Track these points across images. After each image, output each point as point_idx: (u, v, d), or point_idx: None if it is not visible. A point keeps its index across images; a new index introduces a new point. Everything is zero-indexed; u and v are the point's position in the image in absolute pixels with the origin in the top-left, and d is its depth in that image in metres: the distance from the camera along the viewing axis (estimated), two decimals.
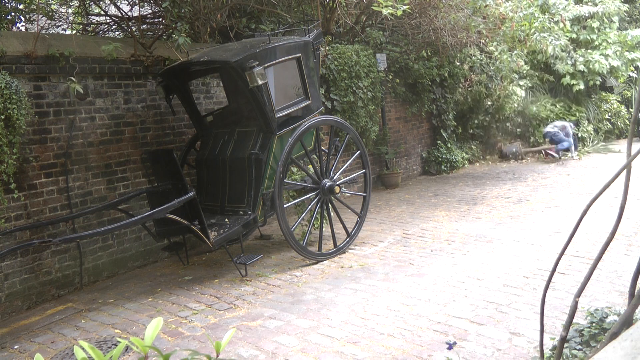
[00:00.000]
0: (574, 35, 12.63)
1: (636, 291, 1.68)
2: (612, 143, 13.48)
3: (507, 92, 11.71)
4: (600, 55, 12.51)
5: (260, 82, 5.12)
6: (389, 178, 9.91)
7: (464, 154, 11.82)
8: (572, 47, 12.71)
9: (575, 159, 11.64)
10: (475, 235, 6.46)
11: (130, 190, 6.01)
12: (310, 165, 6.08)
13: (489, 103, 11.85)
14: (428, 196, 9.03)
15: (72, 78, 5.26)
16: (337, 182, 6.10)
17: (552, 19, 9.52)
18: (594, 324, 2.69)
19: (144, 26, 7.80)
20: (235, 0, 7.15)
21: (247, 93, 5.35)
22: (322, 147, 6.37)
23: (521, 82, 12.77)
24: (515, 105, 12.23)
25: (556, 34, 9.55)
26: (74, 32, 9.00)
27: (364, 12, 8.96)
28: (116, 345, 3.54)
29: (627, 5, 13.74)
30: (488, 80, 11.68)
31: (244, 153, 5.62)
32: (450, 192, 9.24)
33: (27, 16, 7.00)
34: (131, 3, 7.84)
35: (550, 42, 9.18)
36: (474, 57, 11.64)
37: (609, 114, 13.92)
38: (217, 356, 1.32)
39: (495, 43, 10.31)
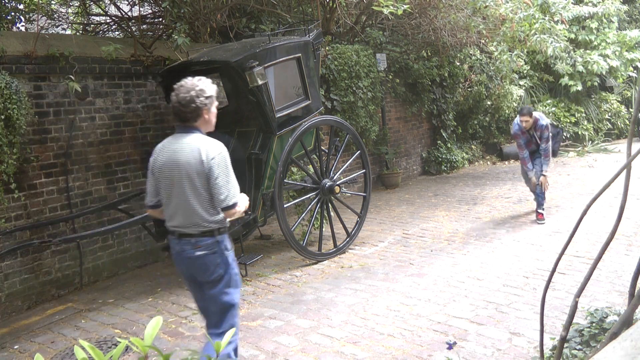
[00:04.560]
0: (573, 36, 12.63)
1: (636, 291, 1.68)
2: (612, 143, 13.48)
3: (504, 91, 11.69)
4: (599, 55, 12.50)
5: (260, 82, 5.12)
6: (389, 178, 9.91)
7: (464, 154, 11.81)
8: (571, 48, 12.70)
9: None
10: (475, 235, 6.47)
11: (130, 190, 6.02)
12: (310, 165, 6.08)
13: (489, 103, 11.85)
14: (428, 196, 9.03)
15: (70, 77, 5.25)
16: (337, 182, 6.10)
17: (552, 19, 9.51)
18: (594, 324, 2.69)
19: (144, 26, 7.80)
20: (235, 0, 7.15)
21: (247, 93, 5.35)
22: (322, 147, 6.36)
23: (521, 82, 12.76)
24: (515, 104, 12.21)
25: (556, 35, 9.54)
26: (74, 32, 9.00)
27: (364, 12, 8.96)
28: (116, 345, 3.54)
29: (626, 5, 13.73)
30: (488, 80, 11.68)
31: (244, 153, 5.62)
32: (450, 192, 9.24)
33: (27, 16, 7.00)
34: (131, 3, 7.84)
35: (550, 44, 9.17)
36: (473, 57, 11.63)
37: (609, 114, 13.92)
38: (217, 356, 1.32)
39: (495, 43, 10.30)
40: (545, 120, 6.92)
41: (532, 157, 7.07)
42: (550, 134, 6.96)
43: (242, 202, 3.16)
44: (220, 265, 3.10)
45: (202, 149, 2.99)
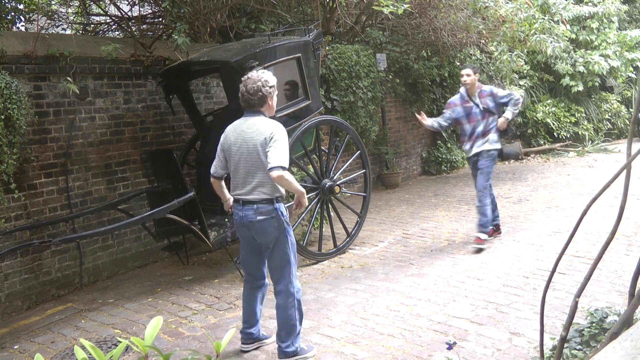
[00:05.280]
0: (574, 36, 12.64)
1: (636, 291, 1.68)
2: (612, 143, 13.48)
3: None
4: (600, 55, 12.50)
5: None
6: (389, 178, 9.91)
7: (464, 154, 11.80)
8: (572, 48, 12.70)
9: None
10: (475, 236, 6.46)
11: (130, 190, 6.01)
12: (310, 165, 6.08)
13: None
14: (428, 196, 9.03)
15: (68, 78, 5.24)
16: (337, 182, 6.09)
17: (552, 19, 9.51)
18: (594, 324, 2.69)
19: (144, 26, 7.80)
20: (236, 0, 7.15)
21: None
22: (322, 147, 6.36)
23: (521, 82, 12.76)
24: None
25: (556, 35, 9.53)
26: (74, 32, 9.00)
27: (364, 12, 8.96)
28: (116, 345, 3.54)
29: (626, 5, 13.74)
30: (488, 80, 11.68)
31: None
32: (450, 192, 9.24)
33: (27, 16, 7.00)
34: (131, 3, 7.84)
35: (549, 44, 9.16)
36: (473, 57, 11.63)
37: (609, 114, 13.91)
38: (217, 356, 1.32)
39: (495, 43, 10.31)
40: (490, 86, 6.09)
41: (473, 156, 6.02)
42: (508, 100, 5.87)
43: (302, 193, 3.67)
44: (277, 228, 3.60)
45: (266, 127, 3.56)
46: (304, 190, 3.65)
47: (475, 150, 6.00)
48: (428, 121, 6.15)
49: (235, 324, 4.34)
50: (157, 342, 4.06)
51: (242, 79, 3.73)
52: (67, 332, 4.48)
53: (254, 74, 3.66)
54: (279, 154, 3.45)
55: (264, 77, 3.63)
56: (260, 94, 3.61)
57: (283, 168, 3.42)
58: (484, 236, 5.90)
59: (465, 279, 5.05)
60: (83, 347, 1.28)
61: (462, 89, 6.08)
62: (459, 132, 6.17)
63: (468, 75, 5.91)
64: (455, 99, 6.13)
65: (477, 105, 5.91)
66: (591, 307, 3.23)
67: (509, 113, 5.90)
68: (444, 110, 6.23)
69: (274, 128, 3.55)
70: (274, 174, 3.40)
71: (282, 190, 3.63)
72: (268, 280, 3.94)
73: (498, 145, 5.98)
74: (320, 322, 4.31)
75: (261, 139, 3.51)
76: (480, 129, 5.93)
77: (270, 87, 3.65)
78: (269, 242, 3.64)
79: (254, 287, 3.88)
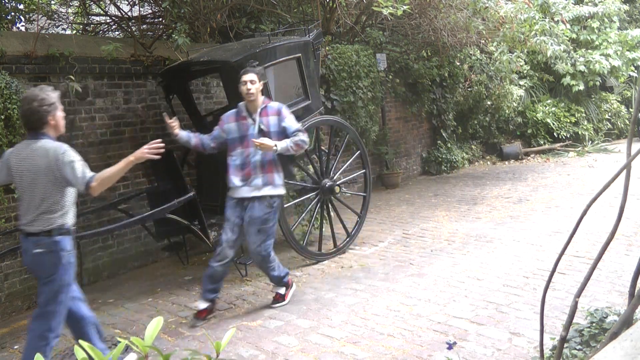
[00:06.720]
0: (574, 36, 12.64)
1: (636, 291, 1.68)
2: (612, 143, 13.48)
3: (504, 91, 11.68)
4: (601, 55, 12.51)
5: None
6: (389, 178, 9.91)
7: (464, 154, 11.81)
8: (572, 48, 12.70)
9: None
10: (475, 235, 6.46)
11: (130, 190, 6.01)
12: (310, 165, 6.08)
13: (489, 103, 11.85)
14: (428, 196, 9.03)
15: (70, 77, 5.25)
16: (337, 182, 6.09)
17: (552, 19, 9.51)
18: (594, 324, 2.69)
19: (144, 26, 7.80)
20: (236, 0, 7.15)
21: None
22: (322, 147, 6.36)
23: (521, 82, 12.77)
24: (515, 104, 12.21)
25: (556, 36, 9.52)
26: (74, 32, 9.00)
27: (364, 12, 8.96)
28: (116, 345, 3.54)
29: (627, 5, 13.74)
30: (488, 80, 11.68)
31: None
32: (450, 192, 9.24)
33: (27, 16, 7.00)
34: (131, 3, 7.84)
35: (550, 46, 9.17)
36: (473, 57, 11.63)
37: (609, 114, 13.92)
38: (217, 356, 1.32)
39: (495, 44, 10.29)
40: (280, 104, 4.65)
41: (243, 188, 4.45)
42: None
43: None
44: (54, 264, 3.27)
45: (50, 151, 3.21)
46: (129, 159, 3.38)
47: (248, 193, 4.42)
48: (182, 133, 4.57)
49: (235, 324, 4.34)
50: (157, 342, 4.06)
51: (21, 98, 3.48)
52: (67, 332, 4.47)
53: (29, 93, 3.28)
54: (81, 168, 3.21)
55: (40, 96, 3.22)
56: (38, 114, 3.20)
57: (90, 180, 3.20)
58: (283, 290, 4.70)
59: (465, 279, 5.06)
60: (83, 348, 1.28)
61: (241, 102, 4.56)
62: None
63: (252, 82, 4.37)
64: (230, 113, 4.59)
65: (257, 125, 4.44)
66: (591, 307, 3.23)
67: (283, 143, 4.37)
68: (217, 130, 4.61)
69: (60, 149, 3.20)
70: (93, 187, 3.21)
71: (70, 222, 3.32)
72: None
73: (281, 190, 4.54)
74: (320, 322, 4.31)
75: (46, 163, 3.18)
76: (256, 158, 4.41)
77: (49, 105, 3.23)
78: (43, 276, 3.29)
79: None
